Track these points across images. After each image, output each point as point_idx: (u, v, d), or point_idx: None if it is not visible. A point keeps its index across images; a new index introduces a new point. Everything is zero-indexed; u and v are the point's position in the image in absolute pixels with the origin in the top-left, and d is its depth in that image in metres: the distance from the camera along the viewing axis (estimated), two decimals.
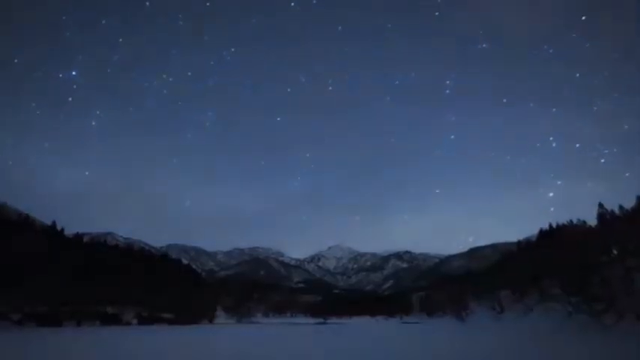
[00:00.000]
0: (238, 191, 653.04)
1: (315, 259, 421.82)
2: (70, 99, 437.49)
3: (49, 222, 70.38)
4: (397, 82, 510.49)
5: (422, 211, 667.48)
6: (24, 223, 63.20)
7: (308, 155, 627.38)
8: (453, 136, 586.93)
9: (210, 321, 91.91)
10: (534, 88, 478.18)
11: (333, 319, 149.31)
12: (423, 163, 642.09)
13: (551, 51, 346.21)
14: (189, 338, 30.44)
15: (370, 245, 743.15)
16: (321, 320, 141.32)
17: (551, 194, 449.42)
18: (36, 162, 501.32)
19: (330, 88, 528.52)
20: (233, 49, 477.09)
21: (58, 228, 68.39)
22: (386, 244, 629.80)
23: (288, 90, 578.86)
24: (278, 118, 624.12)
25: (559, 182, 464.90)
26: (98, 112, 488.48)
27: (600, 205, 51.76)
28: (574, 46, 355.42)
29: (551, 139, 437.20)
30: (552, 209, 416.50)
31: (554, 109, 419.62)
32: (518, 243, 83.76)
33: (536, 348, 20.06)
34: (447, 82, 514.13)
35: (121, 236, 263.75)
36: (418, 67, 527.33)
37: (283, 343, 26.14)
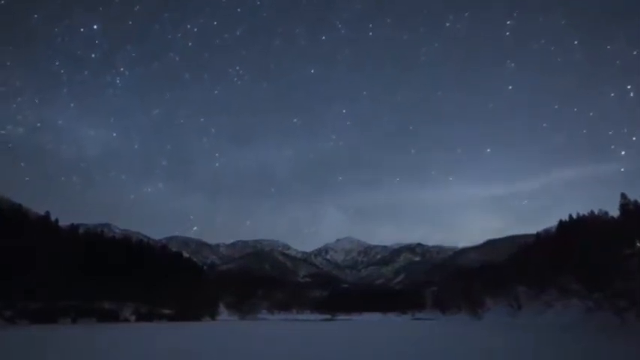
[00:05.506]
0: (270, 151, 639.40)
1: (322, 251, 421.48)
2: (93, 55, 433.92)
3: (42, 212, 71.45)
4: (448, 25, 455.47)
5: (469, 171, 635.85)
6: (16, 214, 64.13)
7: (344, 111, 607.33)
8: (510, 87, 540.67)
9: (213, 317, 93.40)
10: (612, 26, 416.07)
11: (342, 316, 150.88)
12: (474, 119, 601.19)
13: None
14: (190, 337, 30.86)
15: (380, 237, 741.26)
16: (329, 317, 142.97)
17: (623, 152, 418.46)
18: (64, 124, 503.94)
19: (370, 33, 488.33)
20: None
21: (52, 219, 69.36)
22: (397, 236, 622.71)
23: (323, 38, 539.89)
24: (312, 70, 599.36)
25: (634, 138, 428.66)
26: (122, 69, 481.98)
27: (623, 196, 51.21)
28: None
29: (629, 87, 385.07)
30: (623, 169, 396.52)
31: (634, 52, 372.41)
32: (537, 235, 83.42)
33: (554, 347, 20.02)
34: (508, 22, 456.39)
35: (118, 228, 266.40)
36: (472, 5, 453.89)
37: (288, 342, 26.41)
